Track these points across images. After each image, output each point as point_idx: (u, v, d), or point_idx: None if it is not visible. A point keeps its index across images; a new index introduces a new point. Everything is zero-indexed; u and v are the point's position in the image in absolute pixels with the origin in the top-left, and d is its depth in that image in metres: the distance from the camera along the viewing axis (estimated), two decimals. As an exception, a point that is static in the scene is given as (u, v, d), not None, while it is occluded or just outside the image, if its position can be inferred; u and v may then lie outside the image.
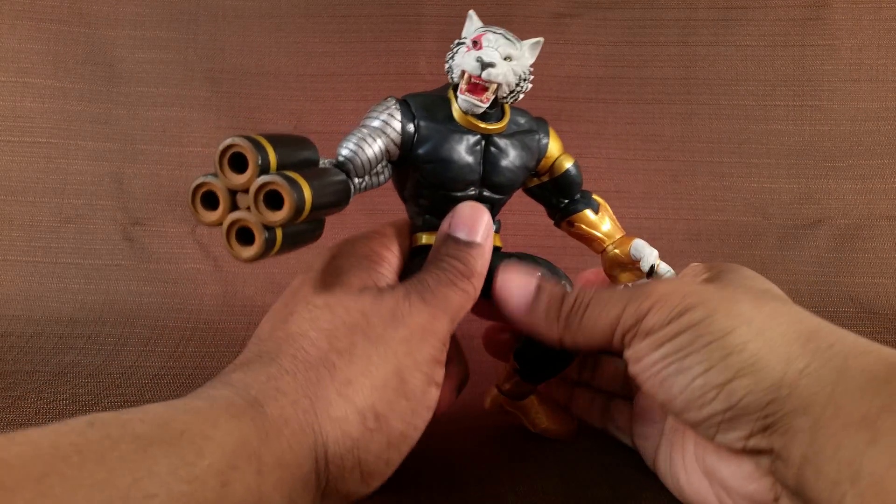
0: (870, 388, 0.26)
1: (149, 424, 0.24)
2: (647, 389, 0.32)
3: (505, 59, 0.35)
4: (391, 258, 0.36)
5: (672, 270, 0.40)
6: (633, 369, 0.32)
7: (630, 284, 0.40)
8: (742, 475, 0.30)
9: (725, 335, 0.29)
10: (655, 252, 0.40)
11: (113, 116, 0.72)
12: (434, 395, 0.32)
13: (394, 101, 0.36)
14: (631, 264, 0.41)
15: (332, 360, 0.30)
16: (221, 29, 0.72)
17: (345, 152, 0.34)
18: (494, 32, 0.36)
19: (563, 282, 0.38)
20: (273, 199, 0.28)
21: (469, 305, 0.34)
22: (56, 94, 0.71)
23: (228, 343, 0.63)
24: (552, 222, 0.43)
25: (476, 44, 0.35)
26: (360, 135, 0.34)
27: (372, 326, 0.31)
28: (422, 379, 0.31)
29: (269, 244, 0.28)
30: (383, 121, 0.35)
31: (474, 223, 0.35)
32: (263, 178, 0.27)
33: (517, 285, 0.36)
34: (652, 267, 0.40)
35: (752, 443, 0.28)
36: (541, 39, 0.37)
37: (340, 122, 0.73)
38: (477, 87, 0.35)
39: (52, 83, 0.71)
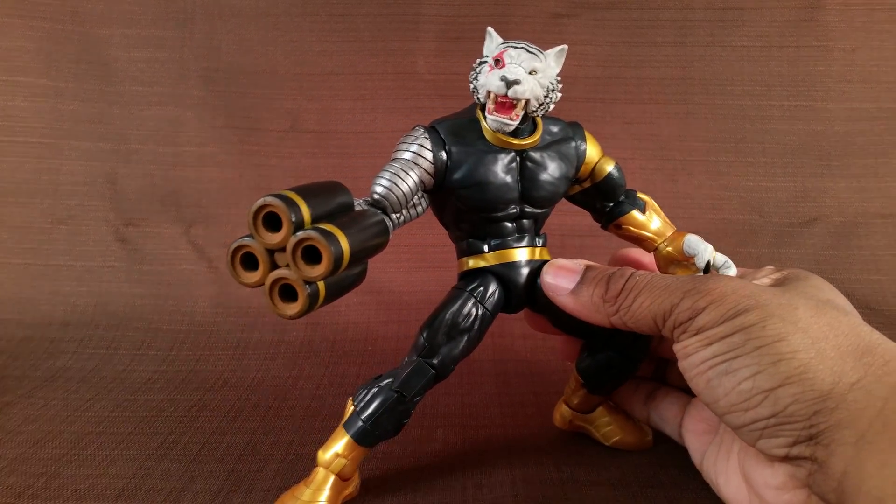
0: None
1: None
2: (694, 387, 0.31)
3: (530, 73, 0.34)
4: None
5: (729, 260, 0.39)
6: (682, 364, 0.32)
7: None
8: (777, 484, 0.30)
9: (777, 341, 0.28)
10: (710, 247, 0.39)
11: (106, 116, 0.71)
12: None
13: (422, 130, 0.36)
14: (686, 261, 0.40)
15: None
16: (217, 27, 0.72)
17: (379, 190, 0.33)
18: (515, 47, 0.35)
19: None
20: (311, 254, 0.28)
21: None
22: (49, 94, 0.70)
23: (223, 346, 0.62)
24: (592, 223, 0.43)
25: (498, 62, 0.35)
26: (392, 170, 0.34)
27: None
28: None
29: (313, 298, 0.29)
30: (414, 152, 0.35)
31: None
32: (299, 235, 0.28)
33: (564, 271, 0.37)
34: (708, 263, 0.39)
35: (795, 451, 0.28)
36: (564, 47, 0.37)
37: (337, 122, 0.72)
38: (504, 105, 0.34)
39: (45, 82, 0.70)
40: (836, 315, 0.30)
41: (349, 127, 0.72)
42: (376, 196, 0.34)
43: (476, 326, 0.37)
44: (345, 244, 0.28)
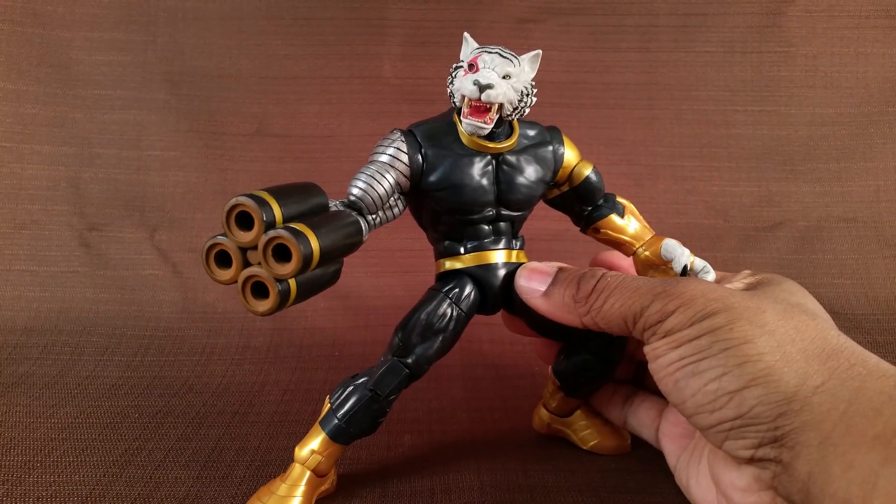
0: (885, 408, 0.26)
1: None
2: (663, 388, 0.32)
3: (504, 77, 0.35)
4: None
5: (707, 265, 0.39)
6: (652, 367, 0.32)
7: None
8: (743, 486, 0.30)
9: (743, 343, 0.29)
10: (687, 251, 0.39)
11: (69, 120, 0.70)
12: None
13: (398, 133, 0.36)
14: (664, 265, 0.40)
15: None
16: (181, 31, 0.71)
17: (355, 191, 0.34)
18: (489, 52, 0.35)
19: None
20: (283, 252, 0.29)
21: None
22: (9, 97, 0.69)
23: (188, 351, 0.62)
24: (577, 229, 0.43)
25: (472, 66, 0.35)
26: (368, 172, 0.35)
27: None
28: None
29: (284, 296, 0.30)
30: (391, 154, 0.35)
31: None
32: (270, 234, 0.29)
33: (537, 274, 0.37)
34: (685, 267, 0.39)
35: (760, 453, 0.28)
36: (539, 52, 0.37)
37: (304, 126, 0.72)
38: (478, 109, 0.35)
39: (5, 85, 0.69)
40: (803, 319, 0.30)
41: (315, 131, 0.72)
42: (353, 197, 0.34)
43: (451, 327, 0.37)
44: (315, 243, 0.29)
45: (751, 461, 0.29)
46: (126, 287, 0.68)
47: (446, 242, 0.38)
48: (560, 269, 0.37)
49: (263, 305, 0.30)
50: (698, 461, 0.35)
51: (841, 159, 0.74)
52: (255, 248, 0.29)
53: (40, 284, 0.68)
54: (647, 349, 0.32)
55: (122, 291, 0.68)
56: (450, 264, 0.38)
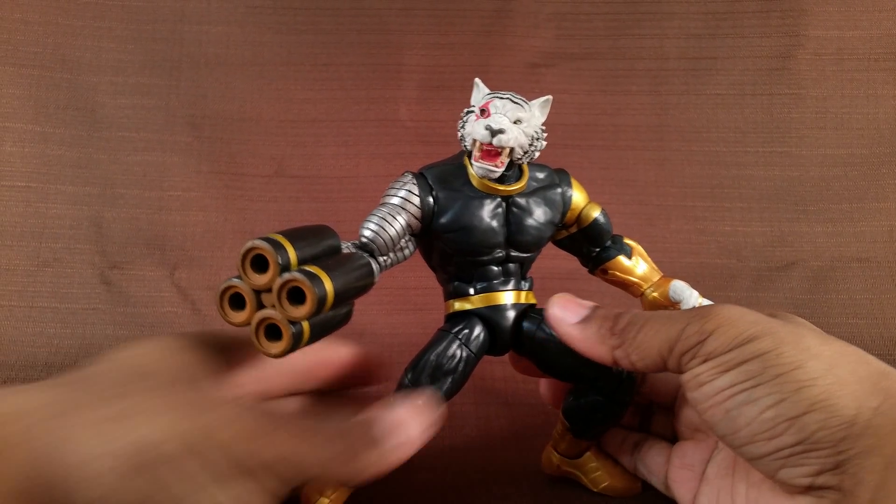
0: None
1: None
2: (709, 419, 0.31)
3: (515, 122, 0.36)
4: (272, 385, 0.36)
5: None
6: (694, 395, 0.31)
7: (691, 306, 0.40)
8: None
9: (795, 368, 0.28)
10: (696, 293, 0.40)
11: (93, 161, 0.72)
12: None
13: (410, 176, 0.37)
14: (672, 306, 0.40)
15: (101, 391, 0.27)
16: (203, 75, 0.73)
17: (367, 234, 0.35)
18: (501, 98, 0.36)
19: None
20: (296, 295, 0.29)
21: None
22: (36, 139, 0.71)
23: (205, 388, 0.62)
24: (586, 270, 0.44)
25: (484, 112, 0.36)
26: (380, 214, 0.35)
27: (158, 375, 0.28)
28: (172, 445, 0.25)
29: (297, 338, 0.30)
30: (402, 197, 0.36)
31: (405, 427, 0.33)
32: (285, 277, 0.29)
33: (573, 304, 0.37)
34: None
35: (820, 481, 0.28)
36: (549, 98, 0.38)
37: (321, 167, 0.74)
38: (490, 153, 0.36)
39: (33, 128, 0.71)
40: (842, 344, 0.30)
41: (333, 172, 0.74)
42: (364, 239, 0.35)
43: (460, 368, 0.37)
44: (329, 286, 0.29)
45: (808, 490, 0.28)
46: (146, 324, 0.69)
47: (455, 283, 0.39)
48: (595, 307, 0.37)
49: (276, 348, 0.30)
50: (729, 498, 0.34)
51: (853, 200, 0.74)
52: (269, 290, 0.30)
53: (61, 321, 0.69)
54: (687, 377, 0.31)
55: (142, 328, 0.69)
56: (459, 305, 0.39)
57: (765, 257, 0.73)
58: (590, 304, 0.37)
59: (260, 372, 0.35)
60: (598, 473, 0.43)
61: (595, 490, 0.43)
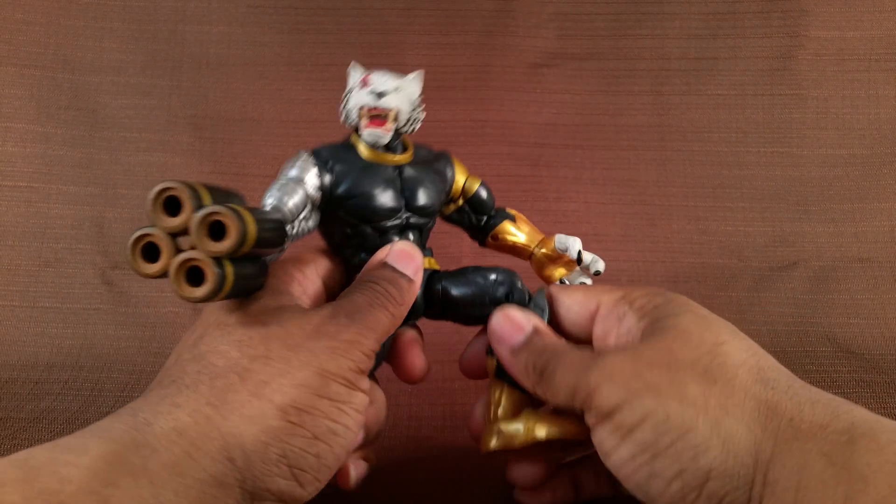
0: (830, 479, 0.26)
1: (4, 465, 0.24)
2: (628, 487, 0.31)
3: (394, 89, 0.38)
4: (306, 282, 0.37)
5: (597, 257, 0.42)
6: (608, 464, 0.32)
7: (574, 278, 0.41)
8: None
9: (686, 432, 0.28)
10: (579, 240, 0.42)
11: (95, 161, 0.72)
12: (360, 399, 0.32)
13: (305, 152, 0.38)
14: (559, 258, 0.43)
15: (244, 365, 0.30)
16: (205, 76, 0.74)
17: (270, 200, 0.35)
18: (378, 71, 0.39)
19: (535, 309, 0.39)
20: (218, 232, 0.28)
21: (392, 330, 0.35)
22: (38, 139, 0.71)
23: (207, 388, 0.62)
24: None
25: (364, 83, 0.38)
26: (279, 184, 0.35)
27: (291, 335, 0.31)
28: (344, 384, 0.31)
29: (221, 279, 0.28)
30: (299, 168, 0.37)
31: (411, 259, 0.37)
32: (206, 210, 0.28)
33: (511, 324, 0.37)
34: (579, 252, 0.42)
35: None
36: (422, 72, 0.41)
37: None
38: (376, 118, 0.38)
39: (35, 128, 0.71)
40: (724, 379, 0.30)
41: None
42: (267, 207, 0.35)
43: None
44: (250, 221, 0.28)
45: None
46: (147, 324, 0.69)
47: (360, 256, 0.39)
48: (535, 332, 0.37)
49: (200, 290, 0.28)
50: None
51: (854, 200, 0.74)
52: (185, 234, 0.28)
53: (63, 321, 0.69)
54: (596, 441, 0.32)
55: (143, 328, 0.69)
56: None
57: (766, 257, 0.73)
58: (530, 324, 0.37)
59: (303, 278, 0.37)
60: (538, 423, 0.38)
61: (542, 439, 0.38)
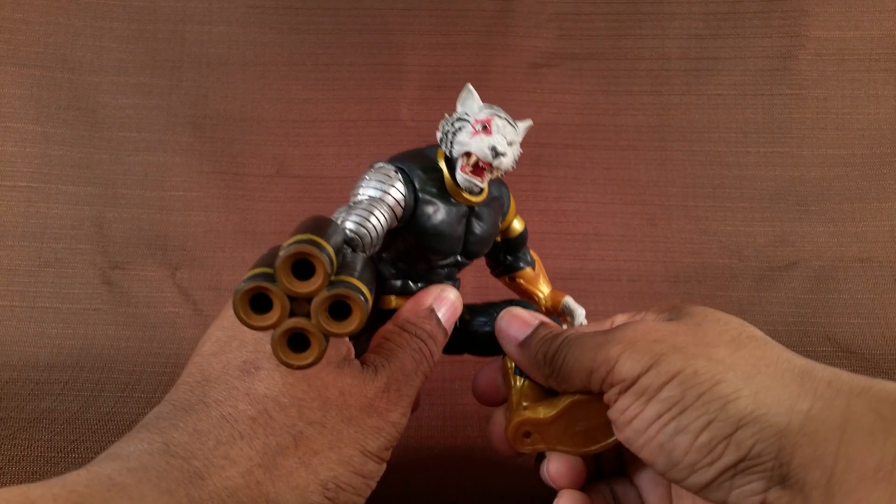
0: (880, 431, 0.25)
1: (62, 503, 0.24)
2: (646, 456, 0.30)
3: (509, 145, 0.35)
4: None
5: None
6: (626, 435, 0.31)
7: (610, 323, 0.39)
8: None
9: (716, 384, 0.28)
10: (583, 311, 0.43)
11: (94, 161, 0.72)
12: (382, 470, 0.33)
13: (393, 170, 0.35)
14: (561, 318, 0.43)
15: (300, 429, 0.30)
16: (205, 76, 0.74)
17: (352, 227, 0.31)
18: (500, 117, 0.36)
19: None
20: (337, 307, 0.27)
21: None
22: (38, 139, 0.71)
23: (207, 388, 0.62)
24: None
25: (486, 128, 0.35)
26: (364, 209, 0.32)
27: (348, 407, 0.31)
28: (377, 462, 0.32)
29: (323, 353, 0.27)
30: (384, 191, 0.34)
31: (455, 314, 0.37)
32: (336, 290, 0.26)
33: (517, 321, 0.37)
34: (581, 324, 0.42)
35: (772, 497, 0.27)
36: (530, 122, 0.38)
37: (323, 167, 0.74)
38: (480, 169, 0.35)
39: (34, 128, 0.71)
40: (755, 345, 0.30)
41: (334, 172, 0.74)
42: (350, 234, 0.31)
43: None
44: (369, 299, 0.27)
45: None
46: (147, 325, 0.69)
47: (401, 282, 0.39)
48: (541, 324, 0.37)
49: (302, 360, 0.27)
50: None
51: (854, 200, 0.74)
52: (304, 298, 0.26)
53: (63, 321, 0.69)
54: (613, 414, 0.31)
55: (144, 329, 0.69)
56: (396, 302, 0.39)
57: (766, 257, 0.73)
58: (536, 319, 0.37)
59: None
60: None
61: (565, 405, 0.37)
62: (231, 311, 0.32)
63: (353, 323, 0.26)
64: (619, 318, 0.37)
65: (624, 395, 0.30)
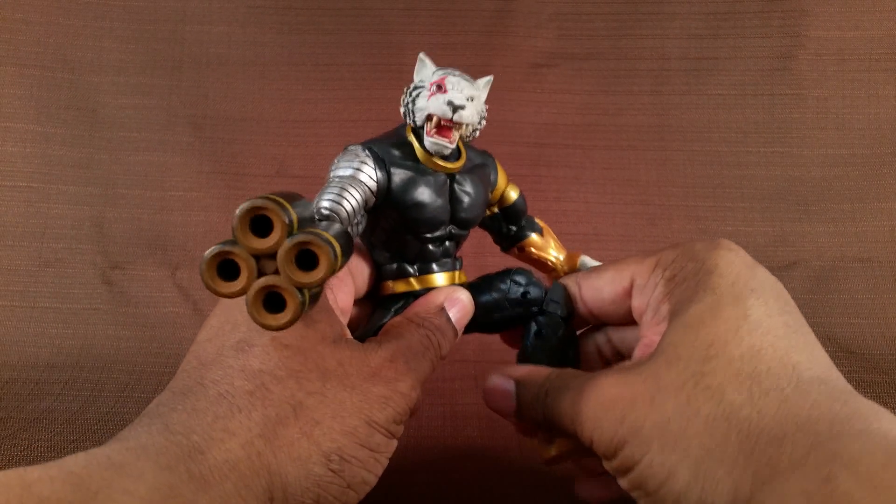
0: None
1: (59, 484, 0.23)
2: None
3: (468, 99, 0.35)
4: (346, 304, 0.36)
5: None
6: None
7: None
8: None
9: (668, 479, 0.28)
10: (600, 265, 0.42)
11: (94, 161, 0.72)
12: (393, 446, 0.32)
13: (362, 149, 0.36)
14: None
15: (300, 400, 0.30)
16: (205, 76, 0.74)
17: (326, 204, 0.32)
18: (454, 75, 0.36)
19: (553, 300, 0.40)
20: (304, 260, 0.26)
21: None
22: (38, 139, 0.71)
23: (207, 388, 0.62)
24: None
25: (440, 87, 0.35)
26: (336, 187, 0.33)
27: (349, 376, 0.31)
28: (386, 435, 0.32)
29: (301, 308, 0.26)
30: (356, 168, 0.35)
31: (466, 315, 0.37)
32: (298, 238, 0.26)
33: (497, 395, 0.38)
34: None
35: None
36: (491, 78, 0.39)
37: (322, 167, 0.72)
38: (445, 128, 0.35)
39: (35, 128, 0.71)
40: (710, 403, 0.28)
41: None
42: (324, 212, 0.32)
43: None
44: (338, 249, 0.27)
45: None
46: (147, 324, 0.69)
47: (396, 265, 0.38)
48: (518, 385, 0.37)
49: (281, 318, 0.26)
50: None
51: (854, 200, 0.74)
52: (269, 256, 0.26)
53: (63, 321, 0.69)
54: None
55: (143, 329, 0.69)
56: (398, 287, 0.38)
57: (766, 257, 0.73)
58: (510, 383, 0.37)
59: (344, 301, 0.37)
60: None
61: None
62: (225, 302, 0.33)
63: (322, 269, 0.26)
64: (639, 269, 0.37)
65: (604, 462, 0.31)
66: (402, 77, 0.74)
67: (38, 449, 0.51)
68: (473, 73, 0.38)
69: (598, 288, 0.39)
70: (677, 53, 0.75)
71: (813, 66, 0.75)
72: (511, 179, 0.41)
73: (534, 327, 0.40)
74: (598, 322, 0.41)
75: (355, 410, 0.30)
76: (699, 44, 0.75)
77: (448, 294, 0.37)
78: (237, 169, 0.73)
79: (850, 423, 0.26)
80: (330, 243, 0.26)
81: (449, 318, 0.36)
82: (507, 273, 0.40)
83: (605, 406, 0.31)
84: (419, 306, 0.37)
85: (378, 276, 0.39)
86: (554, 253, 0.43)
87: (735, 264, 0.33)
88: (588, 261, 0.42)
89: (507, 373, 0.38)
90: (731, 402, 0.28)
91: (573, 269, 0.43)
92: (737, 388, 0.28)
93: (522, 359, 0.41)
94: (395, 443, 0.32)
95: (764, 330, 0.30)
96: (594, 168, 0.74)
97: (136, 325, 0.69)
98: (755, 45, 0.75)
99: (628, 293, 0.37)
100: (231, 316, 0.33)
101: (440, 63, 0.38)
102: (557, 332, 0.40)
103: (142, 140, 0.73)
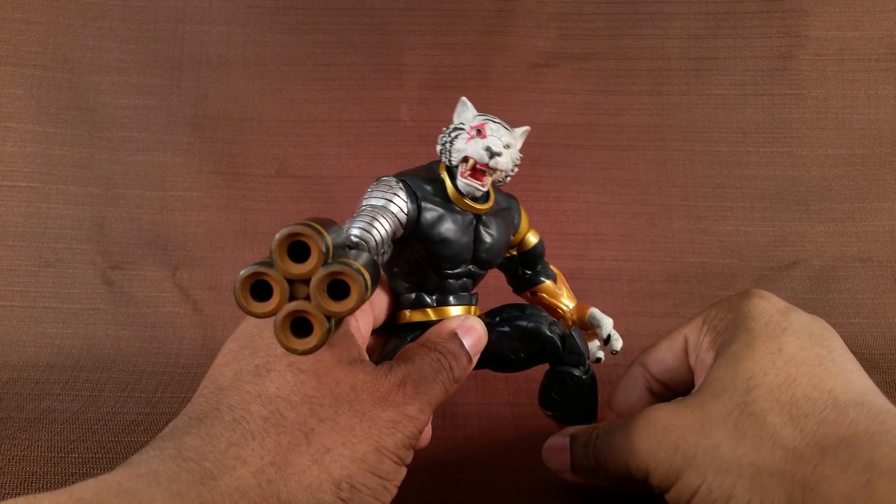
0: None
1: None
2: None
3: (505, 147, 0.37)
4: (366, 331, 0.37)
5: (618, 336, 0.43)
6: None
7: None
8: None
9: (728, 501, 0.30)
10: (611, 321, 0.43)
11: (94, 161, 0.72)
12: (402, 474, 0.33)
13: (396, 181, 0.37)
14: (588, 330, 0.44)
15: (312, 426, 0.30)
16: (205, 76, 0.74)
17: (356, 232, 0.33)
18: (494, 122, 0.37)
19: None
20: (336, 288, 0.27)
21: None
22: (38, 139, 0.71)
23: (207, 388, 0.62)
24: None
25: (480, 132, 0.37)
26: (368, 215, 0.34)
27: (361, 402, 0.31)
28: (395, 461, 0.32)
29: (327, 335, 0.27)
30: (388, 199, 0.35)
31: (479, 341, 0.38)
32: (332, 268, 0.26)
33: (554, 455, 0.40)
34: (608, 335, 0.43)
35: None
36: (528, 128, 0.40)
37: (323, 167, 0.74)
38: (479, 172, 0.37)
39: (35, 128, 0.71)
40: (755, 426, 0.31)
41: (334, 172, 0.74)
42: (354, 239, 0.33)
43: None
44: (369, 280, 0.28)
45: None
46: (147, 324, 0.69)
47: (414, 295, 0.39)
48: (572, 440, 0.40)
49: (306, 343, 0.27)
50: None
51: (854, 199, 0.74)
52: (302, 281, 0.27)
53: (63, 321, 0.69)
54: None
55: (144, 329, 0.69)
56: (415, 316, 0.39)
57: (767, 257, 0.74)
58: (565, 439, 0.40)
59: (364, 328, 0.37)
60: None
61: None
62: (245, 325, 0.34)
63: (353, 301, 0.26)
64: (689, 330, 0.40)
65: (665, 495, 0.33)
66: (403, 77, 0.74)
67: (38, 449, 0.51)
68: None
69: (660, 360, 0.41)
70: (677, 53, 0.75)
71: (813, 66, 0.75)
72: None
73: (559, 377, 0.42)
74: (671, 393, 0.43)
75: (365, 436, 0.31)
76: (699, 44, 0.75)
77: (461, 322, 0.38)
78: (237, 169, 0.73)
79: (888, 437, 0.29)
80: (362, 274, 0.27)
81: (462, 344, 0.37)
82: (521, 307, 0.41)
83: (657, 436, 0.33)
84: (432, 332, 0.37)
85: (396, 305, 0.40)
86: (565, 301, 0.44)
87: (767, 309, 0.36)
88: (597, 314, 0.43)
89: (564, 432, 0.41)
90: (774, 423, 0.31)
91: (582, 320, 0.44)
92: (778, 413, 0.31)
93: (545, 403, 0.43)
94: (404, 470, 0.33)
95: (798, 361, 0.33)
96: (594, 168, 0.74)
97: (136, 325, 0.69)
98: (755, 45, 0.75)
99: (686, 352, 0.40)
100: (251, 341, 0.33)
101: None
102: (584, 388, 0.42)
103: (142, 140, 0.73)
